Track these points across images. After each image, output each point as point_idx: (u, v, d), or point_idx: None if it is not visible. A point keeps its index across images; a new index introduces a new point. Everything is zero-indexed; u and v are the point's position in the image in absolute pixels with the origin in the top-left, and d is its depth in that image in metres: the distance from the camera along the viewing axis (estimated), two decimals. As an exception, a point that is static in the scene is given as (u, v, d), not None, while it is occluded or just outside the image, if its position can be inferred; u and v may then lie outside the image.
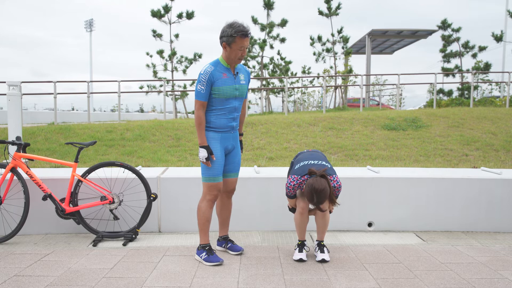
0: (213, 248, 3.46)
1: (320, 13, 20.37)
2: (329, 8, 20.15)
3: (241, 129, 3.63)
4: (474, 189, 4.29)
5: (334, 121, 9.56)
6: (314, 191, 3.12)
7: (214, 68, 3.23)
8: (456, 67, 20.37)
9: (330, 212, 3.45)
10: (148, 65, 19.54)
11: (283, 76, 20.18)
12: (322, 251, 3.41)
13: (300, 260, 3.38)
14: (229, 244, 3.60)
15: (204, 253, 3.33)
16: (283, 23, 20.29)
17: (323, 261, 3.35)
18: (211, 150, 3.25)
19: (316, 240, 3.51)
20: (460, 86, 18.94)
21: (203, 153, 3.23)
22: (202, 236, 3.40)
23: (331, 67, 22.50)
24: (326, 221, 3.41)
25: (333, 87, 21.11)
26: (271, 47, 20.93)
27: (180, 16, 18.86)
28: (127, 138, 7.94)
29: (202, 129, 3.25)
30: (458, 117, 9.96)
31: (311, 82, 31.70)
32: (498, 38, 19.13)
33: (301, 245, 3.47)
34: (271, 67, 24.08)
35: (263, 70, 21.90)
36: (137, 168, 4.18)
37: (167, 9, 18.61)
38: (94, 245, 3.79)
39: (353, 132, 8.73)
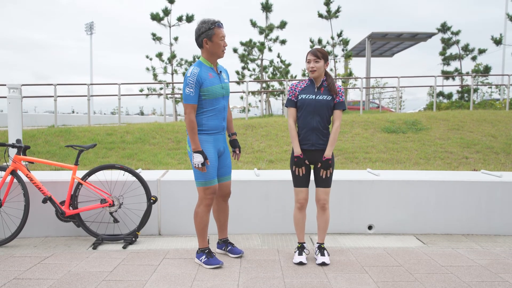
0: (213, 251, 3.45)
1: (320, 15, 20.39)
2: (328, 11, 20.17)
3: (232, 129, 3.62)
4: (474, 192, 4.29)
5: (334, 123, 9.55)
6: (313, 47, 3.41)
7: (199, 69, 3.22)
8: (456, 70, 20.41)
9: (328, 186, 3.39)
10: (148, 68, 19.58)
11: (283, 79, 20.19)
12: (322, 254, 3.41)
13: (300, 263, 3.37)
14: (229, 247, 3.59)
15: (204, 256, 3.32)
16: (282, 25, 20.32)
17: (323, 264, 3.35)
18: (206, 155, 3.23)
19: (317, 243, 3.50)
20: (460, 89, 18.97)
21: (198, 159, 3.17)
22: (201, 240, 3.39)
23: (331, 70, 22.50)
24: (327, 218, 3.43)
25: (333, 89, 21.06)
26: (270, 49, 20.94)
27: (180, 19, 18.92)
28: (127, 141, 7.94)
29: (195, 133, 3.20)
30: (458, 120, 9.97)
31: (311, 84, 31.66)
32: (498, 41, 19.16)
33: (301, 248, 3.47)
34: (271, 70, 24.12)
35: (263, 73, 21.92)
36: (137, 171, 4.18)
37: (166, 12, 18.67)
38: (94, 248, 3.79)
39: (353, 135, 8.74)
